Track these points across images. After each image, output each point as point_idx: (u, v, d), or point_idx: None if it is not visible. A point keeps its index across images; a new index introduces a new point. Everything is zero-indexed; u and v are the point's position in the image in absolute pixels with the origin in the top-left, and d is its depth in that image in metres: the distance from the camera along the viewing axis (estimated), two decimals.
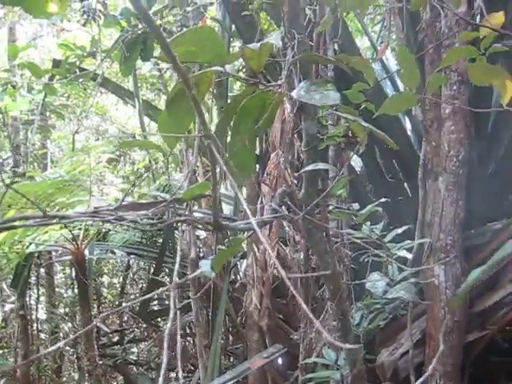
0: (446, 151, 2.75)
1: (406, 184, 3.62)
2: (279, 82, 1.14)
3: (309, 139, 1.30)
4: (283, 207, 1.51)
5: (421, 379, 1.07)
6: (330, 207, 2.33)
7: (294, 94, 1.15)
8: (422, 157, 2.88)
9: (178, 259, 1.10)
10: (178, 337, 1.01)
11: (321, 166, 1.31)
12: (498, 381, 3.08)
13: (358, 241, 1.87)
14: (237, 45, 3.92)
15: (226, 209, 4.59)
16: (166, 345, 0.95)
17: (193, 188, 1.17)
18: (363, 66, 1.28)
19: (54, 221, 1.13)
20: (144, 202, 1.33)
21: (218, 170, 1.13)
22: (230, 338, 4.60)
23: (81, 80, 3.34)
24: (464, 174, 2.73)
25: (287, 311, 3.46)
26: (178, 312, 4.76)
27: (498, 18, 1.22)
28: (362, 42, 4.93)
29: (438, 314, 2.70)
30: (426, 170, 2.86)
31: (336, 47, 3.04)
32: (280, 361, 3.61)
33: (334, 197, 2.18)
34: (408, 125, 3.82)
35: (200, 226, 1.43)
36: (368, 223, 2.03)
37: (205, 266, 1.11)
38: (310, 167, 1.30)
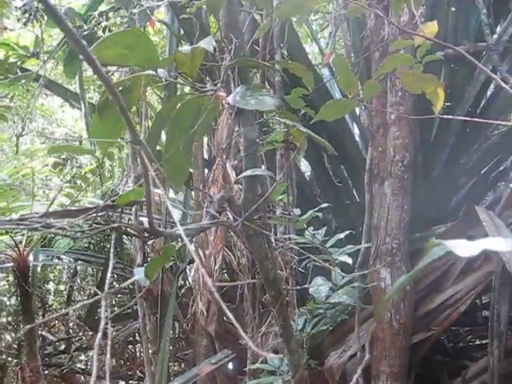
0: (392, 156, 2.80)
1: (354, 189, 3.67)
2: (215, 87, 1.13)
3: (247, 144, 1.29)
4: (228, 213, 1.49)
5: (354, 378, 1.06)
6: (278, 212, 2.33)
7: (229, 99, 1.14)
8: (368, 161, 2.92)
9: (110, 266, 1.06)
10: (108, 347, 0.98)
11: (259, 171, 1.30)
12: (442, 380, 3.15)
13: (296, 247, 1.87)
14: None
15: (176, 213, 4.55)
16: (95, 357, 0.92)
17: (127, 194, 1.14)
18: (301, 71, 1.28)
19: None
20: (75, 208, 1.30)
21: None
22: (181, 343, 4.55)
23: (24, 81, 3.24)
24: (409, 178, 2.79)
25: (236, 316, 3.44)
26: (130, 318, 4.68)
27: (432, 27, 1.25)
28: (313, 48, 4.98)
29: (384, 317, 2.74)
30: (372, 175, 2.91)
31: (286, 52, 3.06)
32: (230, 366, 3.58)
33: (279, 202, 2.18)
34: (356, 130, 3.88)
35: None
36: (311, 228, 2.03)
37: (138, 273, 1.08)
38: (249, 173, 1.29)
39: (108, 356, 0.93)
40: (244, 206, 1.34)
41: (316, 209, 1.98)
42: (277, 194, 1.63)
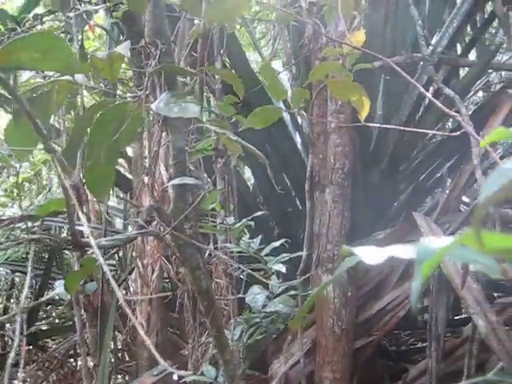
0: (332, 164, 2.82)
1: (296, 197, 3.69)
2: (139, 94, 1.10)
3: (176, 153, 1.27)
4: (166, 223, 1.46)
5: None
6: (218, 221, 2.30)
7: (153, 106, 1.12)
8: (309, 169, 2.93)
9: (27, 281, 1.00)
10: (21, 366, 0.92)
11: (187, 180, 1.28)
12: (384, 383, 3.20)
13: (225, 256, 1.85)
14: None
15: (118, 222, 4.47)
16: (7, 376, 0.86)
17: (47, 204, 1.09)
18: (232, 78, 1.27)
19: None
20: None
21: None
22: (124, 355, 4.43)
23: None
24: (349, 185, 2.81)
25: (179, 325, 3.38)
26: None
27: (359, 35, 1.26)
28: (256, 57, 4.99)
29: (326, 323, 2.75)
30: (313, 182, 2.92)
31: (227, 60, 3.05)
32: (175, 377, 3.51)
33: (219, 211, 2.16)
34: (298, 139, 3.90)
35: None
36: (247, 237, 2.02)
37: (59, 286, 1.03)
38: (176, 181, 1.27)
39: (20, 375, 0.88)
40: (174, 215, 1.31)
41: (249, 217, 1.97)
42: (208, 202, 1.61)
